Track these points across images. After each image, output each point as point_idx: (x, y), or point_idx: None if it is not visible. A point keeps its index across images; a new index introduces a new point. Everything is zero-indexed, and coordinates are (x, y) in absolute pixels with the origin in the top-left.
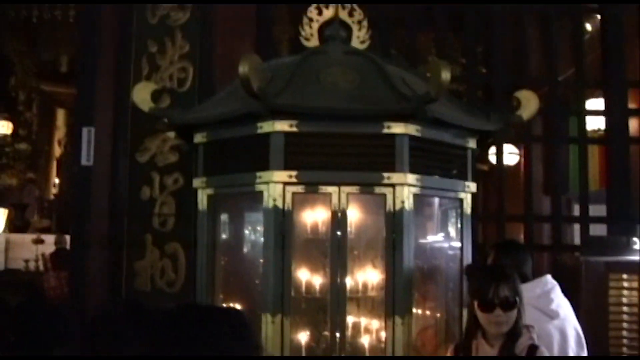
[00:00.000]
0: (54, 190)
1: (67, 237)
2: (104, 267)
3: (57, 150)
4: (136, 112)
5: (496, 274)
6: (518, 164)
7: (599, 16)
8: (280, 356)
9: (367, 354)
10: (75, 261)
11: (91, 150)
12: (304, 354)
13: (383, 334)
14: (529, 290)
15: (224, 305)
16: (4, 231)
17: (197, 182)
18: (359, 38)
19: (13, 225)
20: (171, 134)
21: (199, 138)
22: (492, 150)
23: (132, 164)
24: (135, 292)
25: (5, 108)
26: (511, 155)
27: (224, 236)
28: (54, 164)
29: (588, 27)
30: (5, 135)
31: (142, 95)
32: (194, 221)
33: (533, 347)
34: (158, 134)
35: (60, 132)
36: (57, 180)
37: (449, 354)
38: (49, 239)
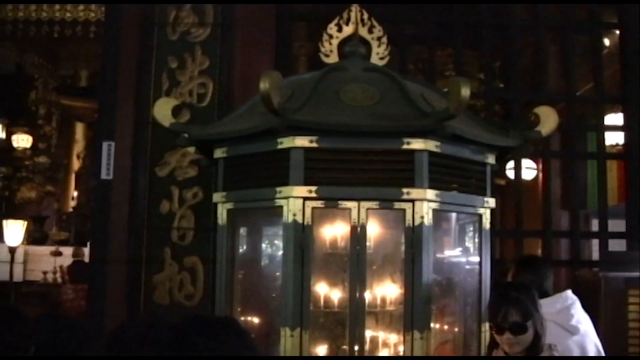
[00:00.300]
0: (72, 203)
1: (85, 250)
2: (123, 281)
3: (76, 164)
4: (156, 126)
5: (506, 297)
6: (536, 178)
7: (617, 31)
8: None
9: None
10: (95, 274)
11: (111, 164)
12: None
13: (401, 349)
14: (549, 306)
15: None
16: (23, 243)
17: (217, 197)
18: (378, 54)
19: (32, 238)
20: (191, 149)
21: (219, 153)
22: (510, 164)
23: (151, 178)
24: (153, 306)
25: (25, 122)
26: (529, 170)
27: (243, 250)
28: (73, 177)
29: (606, 42)
30: (25, 149)
31: (163, 110)
32: (212, 235)
33: None
34: (178, 149)
35: (79, 146)
36: (75, 194)
37: None
38: (67, 251)
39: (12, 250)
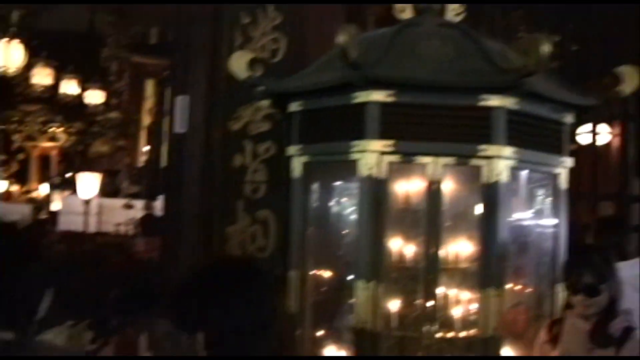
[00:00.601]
0: (143, 158)
1: (156, 204)
2: (196, 233)
3: (147, 119)
4: (230, 81)
5: (581, 259)
6: (608, 143)
7: None
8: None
9: (458, 325)
10: (168, 226)
11: (185, 118)
12: (395, 321)
13: (474, 306)
14: (627, 269)
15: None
16: (97, 196)
17: (291, 150)
18: (454, 11)
19: (105, 191)
20: (265, 103)
21: (294, 106)
22: (580, 130)
23: (225, 132)
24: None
25: (98, 79)
26: (602, 135)
27: (317, 204)
28: (144, 133)
29: None
30: (98, 105)
31: (238, 63)
32: (285, 189)
33: (628, 329)
34: (251, 103)
35: (149, 102)
36: (146, 148)
37: (545, 330)
38: (138, 204)
39: (86, 203)
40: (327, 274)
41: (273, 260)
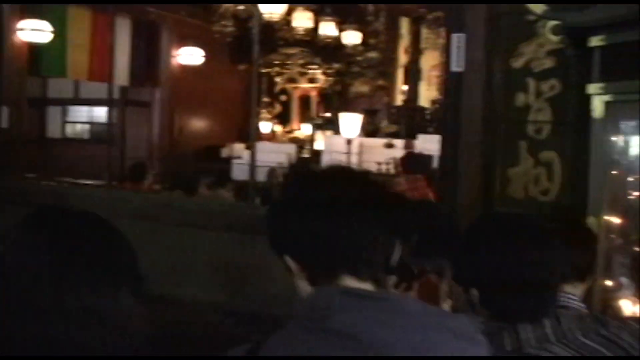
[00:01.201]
0: (401, 97)
1: (416, 142)
2: (476, 173)
3: (403, 58)
4: (509, 16)
5: None
6: None
7: None
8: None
9: None
10: (446, 165)
11: (461, 57)
12: None
13: None
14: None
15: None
16: (358, 135)
17: (592, 89)
18: None
19: (364, 130)
20: (549, 38)
21: (595, 41)
22: None
23: (506, 70)
24: (507, 199)
25: (355, 19)
26: None
27: (622, 146)
28: (401, 72)
29: None
30: (355, 45)
31: None
32: (571, 129)
33: None
34: (533, 39)
35: (404, 41)
36: (404, 87)
37: None
38: (398, 143)
39: (348, 142)
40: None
41: (557, 204)
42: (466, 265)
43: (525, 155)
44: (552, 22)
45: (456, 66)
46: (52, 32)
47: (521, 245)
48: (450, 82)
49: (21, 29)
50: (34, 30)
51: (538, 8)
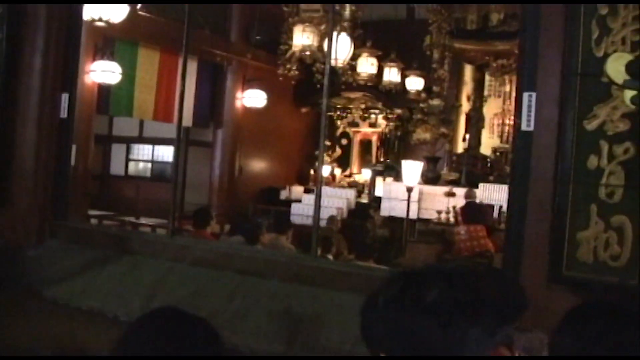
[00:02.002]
0: (462, 145)
1: (477, 192)
2: (544, 233)
3: (466, 106)
4: (584, 78)
5: None
6: None
7: None
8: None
9: None
10: (513, 223)
11: (532, 116)
12: None
13: None
14: None
15: None
16: (418, 183)
17: None
18: None
19: (425, 177)
20: (625, 101)
21: None
22: None
23: (579, 131)
24: (576, 263)
25: (418, 65)
26: None
27: None
28: (463, 119)
29: None
30: (418, 91)
31: (615, 66)
32: None
33: None
34: (607, 101)
35: (467, 88)
36: (466, 135)
37: None
38: (458, 191)
39: (409, 189)
40: None
41: (628, 270)
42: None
43: (595, 218)
44: (631, 92)
45: (526, 125)
46: (121, 73)
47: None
48: (519, 141)
49: (93, 70)
50: (104, 72)
51: (618, 77)
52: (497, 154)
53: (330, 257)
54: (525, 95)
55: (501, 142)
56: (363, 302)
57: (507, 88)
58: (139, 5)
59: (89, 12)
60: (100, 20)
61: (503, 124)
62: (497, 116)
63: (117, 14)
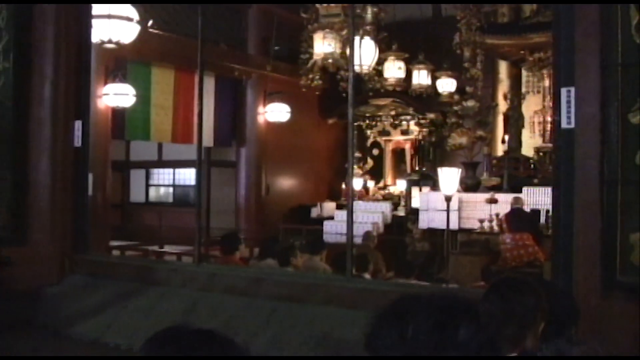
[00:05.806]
0: (502, 147)
1: (524, 199)
2: (595, 237)
3: (503, 105)
4: (626, 69)
5: None
6: None
7: None
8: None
9: None
10: (561, 228)
11: (572, 112)
12: None
13: None
14: None
15: None
16: (457, 190)
17: None
18: None
19: (464, 184)
20: None
21: None
22: None
23: (623, 126)
24: (630, 267)
25: (448, 66)
26: None
27: None
28: (501, 120)
29: None
30: (451, 93)
31: None
32: None
33: None
34: None
35: (503, 86)
36: (505, 137)
37: None
38: (500, 197)
39: (447, 199)
40: None
41: None
42: None
43: None
44: None
45: (567, 123)
46: (135, 95)
47: None
48: (560, 139)
49: (106, 94)
50: (117, 95)
51: None
52: (541, 154)
53: (367, 275)
54: (564, 90)
55: (544, 141)
56: (376, 317)
57: (547, 83)
58: (149, 23)
59: (98, 34)
60: (110, 42)
61: (545, 121)
62: (537, 114)
63: (128, 34)
